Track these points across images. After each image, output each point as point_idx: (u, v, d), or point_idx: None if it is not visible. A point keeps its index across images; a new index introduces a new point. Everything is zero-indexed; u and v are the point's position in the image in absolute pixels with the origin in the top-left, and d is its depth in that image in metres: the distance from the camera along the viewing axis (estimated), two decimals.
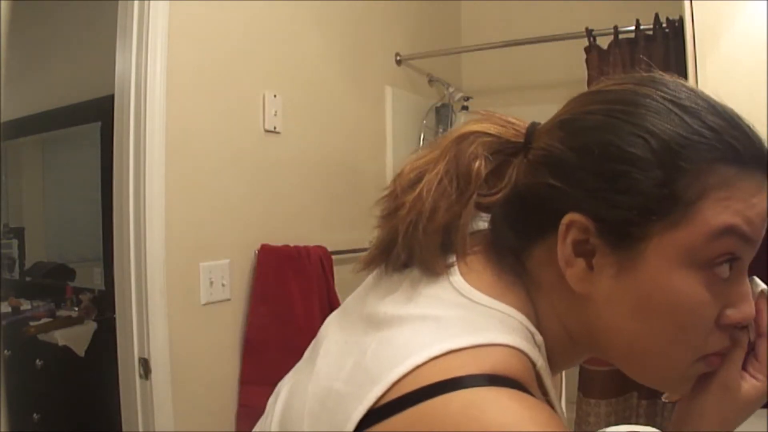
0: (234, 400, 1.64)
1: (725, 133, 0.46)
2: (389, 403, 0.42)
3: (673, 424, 0.55)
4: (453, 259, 0.52)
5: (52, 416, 2.47)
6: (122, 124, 1.47)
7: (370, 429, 0.43)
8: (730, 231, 0.45)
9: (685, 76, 1.60)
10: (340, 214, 2.00)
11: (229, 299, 1.63)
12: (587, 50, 2.06)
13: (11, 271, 3.11)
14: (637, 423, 1.91)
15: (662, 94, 0.47)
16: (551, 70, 2.50)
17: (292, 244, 1.75)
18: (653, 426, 1.38)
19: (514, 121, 0.55)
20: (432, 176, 0.52)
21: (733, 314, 0.48)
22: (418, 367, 0.43)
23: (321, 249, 1.79)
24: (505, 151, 0.53)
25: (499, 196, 0.53)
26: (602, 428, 1.27)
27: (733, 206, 0.45)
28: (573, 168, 0.48)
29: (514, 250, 0.53)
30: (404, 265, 0.53)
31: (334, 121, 2.04)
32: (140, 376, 1.44)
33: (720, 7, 1.57)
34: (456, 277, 0.50)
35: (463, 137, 0.53)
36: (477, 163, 0.52)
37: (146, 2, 1.43)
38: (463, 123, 0.56)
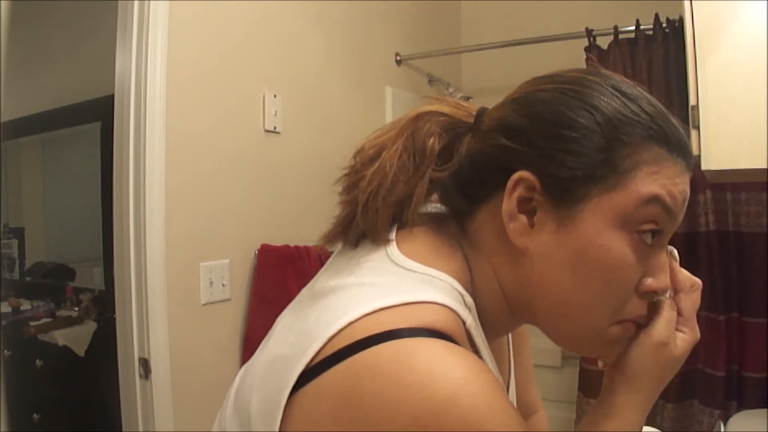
0: None
1: (658, 119, 0.53)
2: (326, 358, 0.46)
3: (608, 387, 0.58)
4: (393, 234, 0.56)
5: (52, 416, 2.47)
6: (122, 124, 1.47)
7: (309, 383, 0.46)
8: (655, 200, 0.51)
9: (685, 76, 1.60)
10: None
11: (229, 299, 1.63)
12: (587, 50, 2.06)
13: (11, 271, 3.11)
14: None
15: (607, 81, 0.54)
16: (551, 70, 2.50)
17: (292, 244, 1.75)
18: (653, 426, 1.38)
19: (465, 104, 0.61)
20: (392, 152, 0.57)
21: (651, 283, 0.54)
22: (352, 323, 0.46)
23: (321, 249, 1.78)
24: (457, 130, 0.58)
25: (451, 171, 0.57)
26: None
27: (660, 180, 0.51)
28: (526, 131, 0.53)
29: (459, 215, 0.58)
30: (360, 239, 0.58)
31: (334, 121, 2.04)
32: (140, 376, 1.44)
33: (720, 7, 1.57)
34: (392, 249, 0.55)
35: (420, 116, 0.58)
36: (431, 140, 0.56)
37: (146, 2, 1.43)
38: (418, 104, 0.61)
